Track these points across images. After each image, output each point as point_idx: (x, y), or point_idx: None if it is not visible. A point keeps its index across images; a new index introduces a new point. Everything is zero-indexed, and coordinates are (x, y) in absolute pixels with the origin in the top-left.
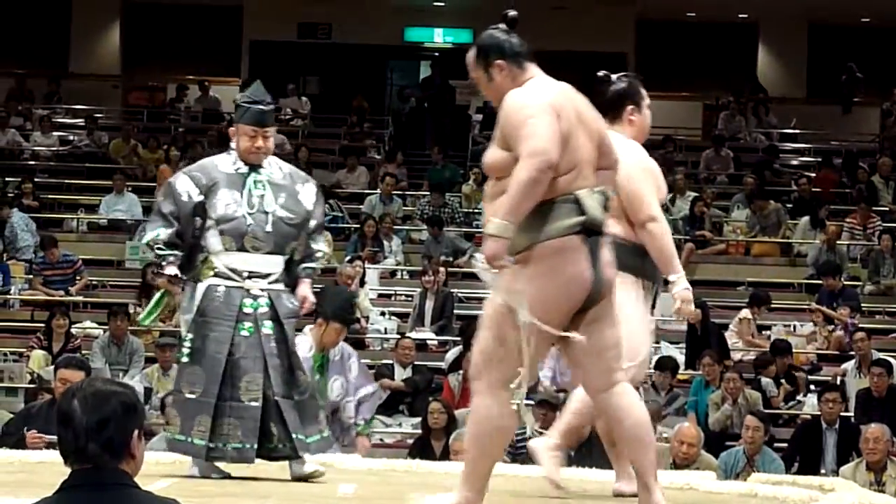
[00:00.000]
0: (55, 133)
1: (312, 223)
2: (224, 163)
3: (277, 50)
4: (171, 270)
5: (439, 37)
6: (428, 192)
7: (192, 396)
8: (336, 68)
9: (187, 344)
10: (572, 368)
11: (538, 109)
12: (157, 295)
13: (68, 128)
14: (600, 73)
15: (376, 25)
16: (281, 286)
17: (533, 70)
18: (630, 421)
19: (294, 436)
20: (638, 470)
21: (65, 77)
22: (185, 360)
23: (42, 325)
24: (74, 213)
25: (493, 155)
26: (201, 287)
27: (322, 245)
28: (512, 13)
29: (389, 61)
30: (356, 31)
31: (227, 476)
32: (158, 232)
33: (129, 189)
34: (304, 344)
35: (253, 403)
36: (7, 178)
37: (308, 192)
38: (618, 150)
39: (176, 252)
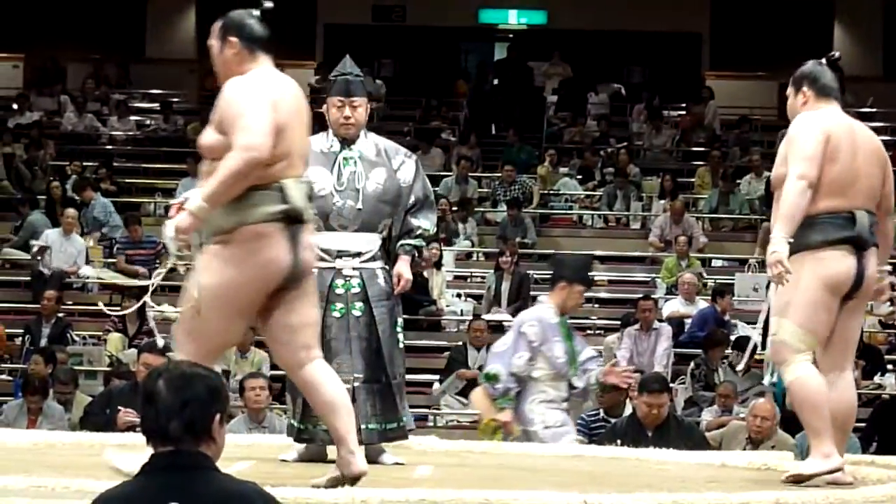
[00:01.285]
0: (132, 117)
1: (412, 199)
2: (318, 142)
3: (351, 33)
4: None
5: (513, 18)
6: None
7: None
8: (410, 51)
9: None
10: (270, 345)
11: (256, 102)
12: None
13: (145, 112)
14: (835, 55)
15: (450, 7)
16: (377, 265)
17: (262, 60)
18: (328, 390)
19: (362, 426)
20: (340, 436)
21: (141, 62)
22: None
23: (118, 308)
24: (152, 197)
25: (208, 138)
26: None
27: (423, 221)
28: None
29: (463, 43)
30: (430, 13)
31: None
32: None
33: None
34: (545, 311)
35: (344, 386)
36: (85, 163)
37: (407, 168)
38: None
39: None
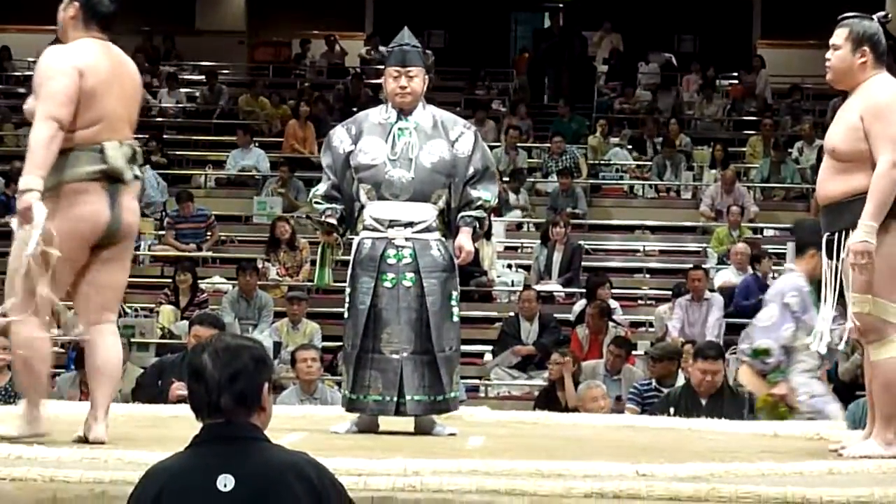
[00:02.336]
0: (182, 90)
1: (470, 170)
2: (375, 113)
3: (401, 4)
4: (329, 222)
5: None
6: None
7: (348, 349)
8: (460, 21)
9: (347, 299)
10: (73, 296)
11: (59, 72)
12: (320, 250)
13: (195, 84)
14: (889, 16)
15: None
16: (431, 235)
17: (92, 33)
18: (102, 357)
19: (407, 397)
20: (93, 400)
21: (191, 34)
22: (345, 314)
23: (169, 280)
24: (202, 169)
25: (28, 104)
26: (355, 241)
27: (483, 192)
28: None
29: (513, 13)
30: None
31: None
32: (319, 186)
33: (256, 144)
34: (799, 279)
35: (394, 356)
36: (136, 136)
37: (465, 140)
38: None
39: (333, 205)
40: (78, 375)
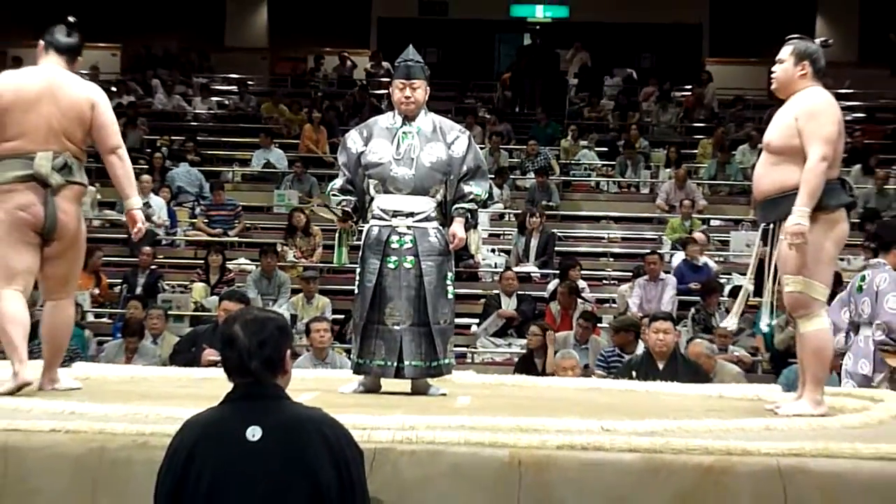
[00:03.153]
0: (213, 98)
1: (464, 168)
2: (384, 119)
3: (401, 26)
4: (344, 212)
5: (540, 12)
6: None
7: (356, 321)
8: (452, 41)
9: (357, 278)
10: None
11: None
12: (338, 235)
13: (223, 94)
14: (829, 41)
15: (485, 3)
16: (430, 224)
17: (43, 61)
18: (48, 324)
19: (406, 362)
20: (46, 357)
21: (220, 50)
22: (355, 290)
23: (201, 261)
24: (230, 166)
25: None
26: (365, 228)
27: (475, 187)
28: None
29: (497, 34)
30: (469, 8)
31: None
32: (336, 181)
33: (276, 145)
34: (890, 271)
35: (395, 327)
36: (173, 137)
37: (460, 143)
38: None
39: (348, 197)
40: (123, 343)
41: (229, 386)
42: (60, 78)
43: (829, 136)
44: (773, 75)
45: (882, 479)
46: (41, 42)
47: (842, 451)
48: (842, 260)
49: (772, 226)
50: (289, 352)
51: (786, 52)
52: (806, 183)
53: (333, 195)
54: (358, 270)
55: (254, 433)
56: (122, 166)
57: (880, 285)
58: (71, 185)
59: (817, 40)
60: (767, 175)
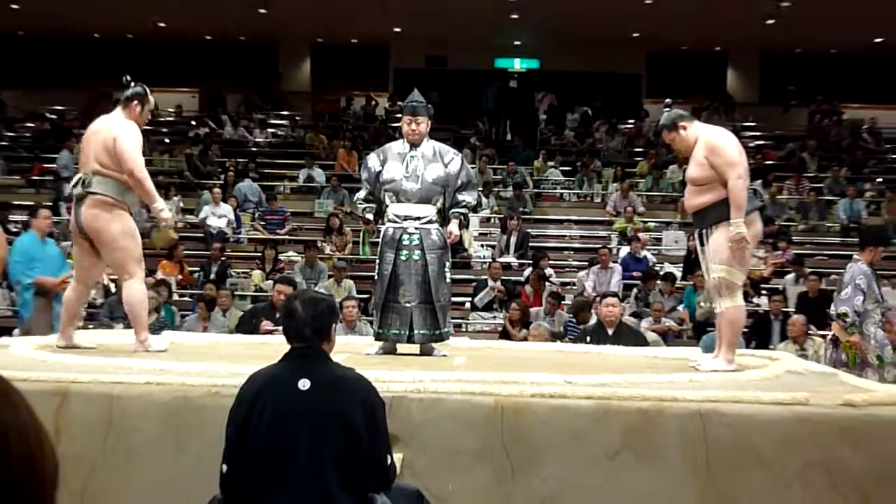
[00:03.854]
0: (269, 129)
1: (458, 182)
2: (397, 145)
3: (412, 74)
4: (367, 217)
5: (517, 64)
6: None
7: (377, 300)
8: (451, 86)
9: (376, 268)
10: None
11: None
12: (362, 234)
13: (277, 126)
14: (668, 102)
15: (476, 58)
16: (432, 226)
17: (115, 111)
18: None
19: (415, 331)
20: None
21: (276, 93)
22: (376, 277)
23: (259, 254)
24: (281, 181)
25: None
26: (382, 229)
27: (467, 196)
28: (130, 91)
29: (484, 81)
30: (463, 61)
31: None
32: (360, 192)
33: (317, 165)
34: (864, 266)
35: (407, 305)
36: (238, 160)
37: (455, 162)
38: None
39: (369, 205)
40: (200, 316)
41: (281, 349)
42: (105, 121)
43: (734, 160)
44: (675, 151)
45: (777, 417)
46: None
47: (747, 398)
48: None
49: (704, 231)
50: (334, 325)
51: (666, 133)
52: (733, 200)
53: (359, 203)
54: (377, 262)
55: (304, 384)
56: (135, 184)
57: (844, 277)
58: (90, 195)
59: (664, 105)
60: (694, 198)
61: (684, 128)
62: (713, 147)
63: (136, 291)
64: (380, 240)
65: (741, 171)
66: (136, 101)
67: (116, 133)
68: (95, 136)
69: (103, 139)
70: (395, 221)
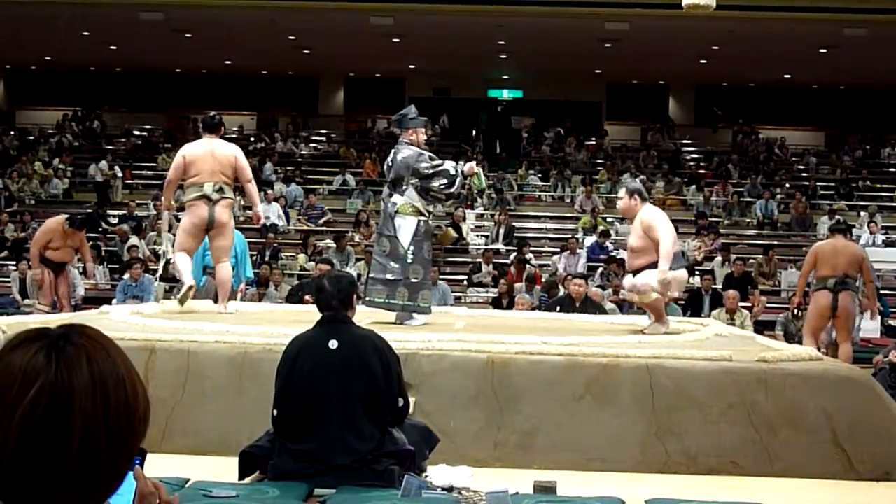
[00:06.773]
0: (311, 144)
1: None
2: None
3: (424, 102)
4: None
5: (505, 94)
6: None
7: (422, 279)
8: (454, 111)
9: (417, 254)
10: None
11: (178, 154)
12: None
13: (317, 142)
14: (637, 180)
15: (473, 89)
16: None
17: (204, 134)
18: (218, 277)
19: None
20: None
21: (315, 115)
22: (409, 260)
23: (302, 242)
24: (321, 185)
25: None
26: (419, 221)
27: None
28: (217, 118)
29: (479, 107)
30: (463, 92)
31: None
32: (447, 165)
33: (349, 172)
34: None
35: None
36: (287, 167)
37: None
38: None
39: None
40: (258, 290)
41: (317, 316)
42: (214, 143)
43: (667, 238)
44: (618, 208)
45: (708, 371)
46: (200, 125)
47: (684, 355)
48: (684, 242)
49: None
50: (355, 296)
51: (623, 192)
52: (663, 256)
53: (451, 171)
54: (411, 248)
55: (333, 343)
56: (251, 190)
57: None
58: (225, 198)
59: (637, 180)
60: (635, 259)
61: (636, 201)
62: (649, 225)
63: (228, 271)
64: (415, 231)
65: (650, 245)
66: (223, 127)
67: (237, 154)
68: (213, 154)
69: (226, 157)
70: (421, 215)
